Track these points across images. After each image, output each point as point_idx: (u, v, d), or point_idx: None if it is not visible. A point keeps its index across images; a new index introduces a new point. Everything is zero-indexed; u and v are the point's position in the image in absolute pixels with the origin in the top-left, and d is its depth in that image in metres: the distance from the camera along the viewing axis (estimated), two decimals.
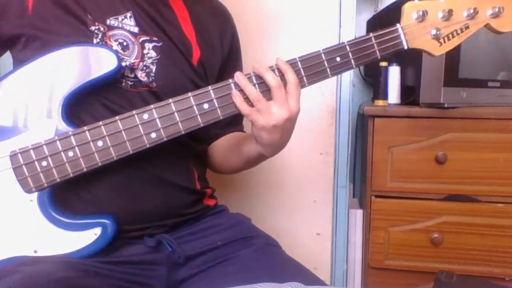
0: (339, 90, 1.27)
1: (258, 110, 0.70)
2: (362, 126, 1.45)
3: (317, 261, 1.30)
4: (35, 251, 0.71)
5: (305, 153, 1.27)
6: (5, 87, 0.73)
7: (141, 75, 0.77)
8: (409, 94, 1.24)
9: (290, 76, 0.70)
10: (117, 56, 0.72)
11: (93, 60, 0.72)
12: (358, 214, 1.36)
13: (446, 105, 1.13)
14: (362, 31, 1.59)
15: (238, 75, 0.71)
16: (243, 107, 0.71)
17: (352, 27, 1.26)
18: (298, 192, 1.30)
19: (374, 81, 1.37)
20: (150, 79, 0.77)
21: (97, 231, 0.72)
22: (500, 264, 1.19)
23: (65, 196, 0.74)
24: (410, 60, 1.25)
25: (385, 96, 1.28)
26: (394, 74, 1.27)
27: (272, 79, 0.70)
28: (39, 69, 0.72)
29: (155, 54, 0.78)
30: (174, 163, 0.81)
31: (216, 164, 0.95)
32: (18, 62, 0.77)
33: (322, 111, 1.26)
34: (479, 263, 1.19)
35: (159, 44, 0.79)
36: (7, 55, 0.81)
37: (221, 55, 0.89)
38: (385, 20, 1.38)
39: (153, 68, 0.78)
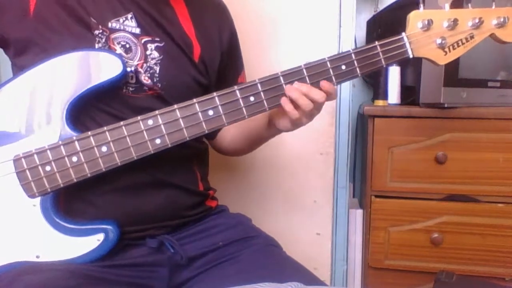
0: (339, 90, 1.27)
1: (303, 114, 0.74)
2: (362, 126, 1.45)
3: (317, 261, 1.30)
4: (37, 256, 0.70)
5: (305, 153, 1.27)
6: (9, 92, 0.72)
7: (145, 78, 0.76)
8: (409, 94, 1.24)
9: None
10: (122, 60, 0.72)
11: (98, 65, 0.71)
12: (358, 214, 1.36)
13: (446, 105, 1.13)
14: (362, 31, 1.59)
15: (289, 89, 0.72)
16: (294, 113, 0.73)
17: (352, 27, 1.26)
18: (298, 192, 1.30)
19: (374, 81, 1.37)
20: (155, 80, 0.77)
21: (100, 237, 0.71)
22: (500, 264, 1.19)
23: (68, 200, 0.73)
24: (410, 60, 1.25)
25: (385, 96, 1.28)
26: (394, 74, 1.27)
27: (320, 97, 0.73)
28: (44, 73, 0.72)
29: (158, 55, 0.78)
30: (177, 165, 0.81)
31: (228, 149, 0.98)
32: (18, 69, 0.76)
33: (322, 111, 1.25)
34: (479, 263, 1.19)
35: (161, 44, 0.78)
36: (7, 58, 0.80)
37: (220, 50, 0.88)
38: (385, 20, 1.38)
39: (157, 68, 0.77)
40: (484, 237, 1.18)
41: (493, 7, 0.75)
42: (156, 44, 0.78)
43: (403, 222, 1.22)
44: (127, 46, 0.76)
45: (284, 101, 0.73)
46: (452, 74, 1.13)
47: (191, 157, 0.86)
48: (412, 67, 1.25)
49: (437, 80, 1.12)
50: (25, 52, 0.74)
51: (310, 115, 0.75)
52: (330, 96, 0.74)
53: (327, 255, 1.31)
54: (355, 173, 1.61)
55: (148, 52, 0.77)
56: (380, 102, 1.27)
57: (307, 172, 1.28)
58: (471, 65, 1.16)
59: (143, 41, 0.77)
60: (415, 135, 1.19)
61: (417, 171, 1.20)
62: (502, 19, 0.74)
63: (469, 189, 1.19)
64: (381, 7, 1.59)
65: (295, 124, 0.77)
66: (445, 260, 1.20)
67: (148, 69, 0.77)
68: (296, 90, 0.72)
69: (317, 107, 0.74)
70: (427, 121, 1.18)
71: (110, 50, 0.74)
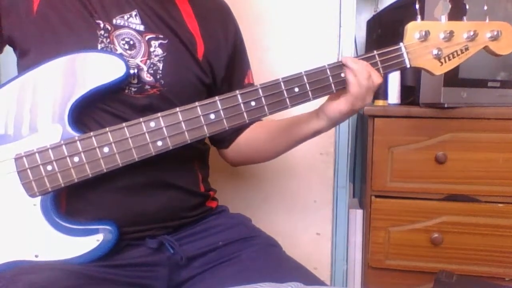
0: None
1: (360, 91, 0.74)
2: (362, 126, 1.45)
3: (317, 261, 1.30)
4: (36, 256, 0.70)
5: (305, 153, 1.27)
6: (12, 90, 0.72)
7: (147, 75, 0.76)
8: (409, 94, 1.24)
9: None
10: (125, 62, 0.72)
11: (102, 66, 0.71)
12: (358, 214, 1.36)
13: (446, 105, 1.13)
14: (362, 31, 1.60)
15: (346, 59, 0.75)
16: (354, 84, 0.74)
17: (352, 27, 1.26)
18: (298, 192, 1.30)
19: None
20: (158, 77, 0.77)
21: (100, 237, 0.72)
22: (500, 264, 1.19)
23: (68, 200, 0.73)
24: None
25: (385, 96, 1.28)
26: (394, 74, 1.27)
27: (362, 70, 0.74)
28: (46, 73, 0.72)
29: (162, 52, 0.78)
30: (179, 166, 0.81)
31: (246, 156, 0.94)
32: (22, 69, 0.76)
33: None
34: (479, 263, 1.19)
35: (165, 42, 0.78)
36: (7, 58, 0.80)
37: (226, 50, 0.88)
38: (385, 20, 1.38)
39: (160, 66, 0.77)
40: (484, 237, 1.18)
41: (487, 20, 0.78)
42: (160, 41, 0.78)
43: (403, 222, 1.22)
44: (131, 42, 0.76)
45: (347, 72, 0.74)
46: (452, 74, 1.13)
47: (192, 158, 0.86)
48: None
49: (437, 80, 1.12)
50: (29, 52, 0.75)
51: (362, 96, 0.75)
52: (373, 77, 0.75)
53: (327, 255, 1.31)
54: (355, 173, 1.61)
55: (151, 49, 0.77)
56: (380, 102, 1.27)
57: (307, 172, 1.29)
58: (471, 65, 1.16)
59: (147, 38, 0.77)
60: (415, 135, 1.19)
61: (417, 171, 1.20)
62: (495, 33, 0.77)
63: (469, 189, 1.19)
64: (381, 7, 1.59)
65: (351, 105, 0.75)
66: (445, 260, 1.20)
67: (152, 65, 0.77)
68: (354, 62, 0.74)
69: (368, 87, 0.74)
70: (427, 121, 1.18)
71: (113, 51, 0.74)
